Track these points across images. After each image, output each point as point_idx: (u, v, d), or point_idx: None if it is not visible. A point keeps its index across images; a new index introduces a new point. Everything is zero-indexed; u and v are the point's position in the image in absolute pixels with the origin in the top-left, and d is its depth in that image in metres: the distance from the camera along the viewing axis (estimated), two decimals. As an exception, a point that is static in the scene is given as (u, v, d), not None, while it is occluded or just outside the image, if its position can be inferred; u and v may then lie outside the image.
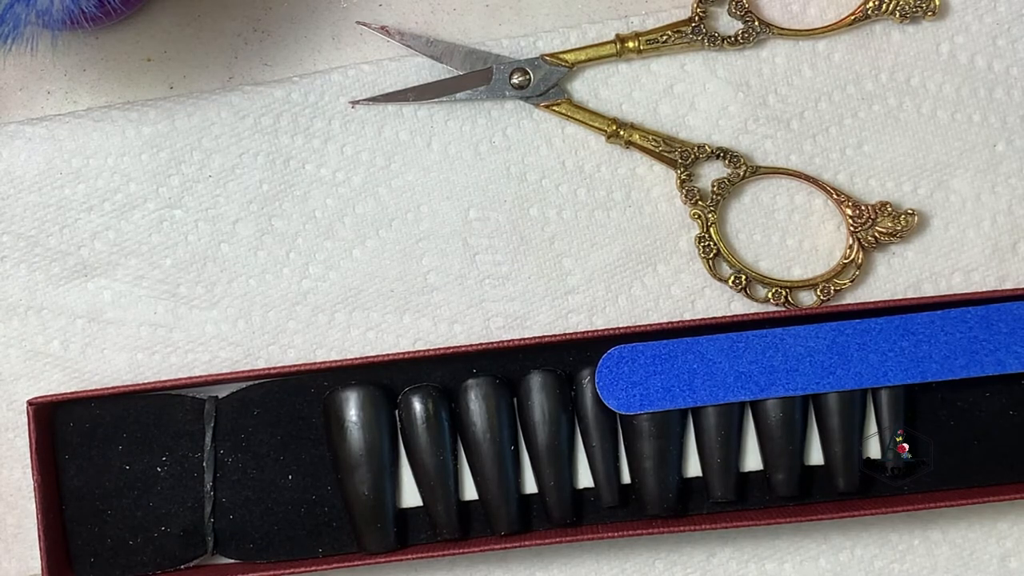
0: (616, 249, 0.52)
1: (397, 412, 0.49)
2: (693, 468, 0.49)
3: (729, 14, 0.52)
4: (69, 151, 0.52)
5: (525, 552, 0.51)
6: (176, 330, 0.51)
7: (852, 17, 0.52)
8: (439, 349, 0.48)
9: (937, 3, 0.52)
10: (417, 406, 0.48)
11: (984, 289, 0.51)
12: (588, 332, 0.48)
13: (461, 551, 0.48)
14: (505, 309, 0.52)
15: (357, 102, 0.52)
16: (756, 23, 0.52)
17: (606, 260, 0.52)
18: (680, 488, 0.49)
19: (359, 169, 0.52)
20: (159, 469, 0.49)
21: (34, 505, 0.49)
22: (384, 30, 0.52)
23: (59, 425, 0.49)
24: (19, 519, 0.51)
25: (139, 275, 0.52)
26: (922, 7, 0.52)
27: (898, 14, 0.52)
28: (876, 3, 0.52)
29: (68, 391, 0.50)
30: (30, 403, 0.48)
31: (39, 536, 0.47)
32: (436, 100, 0.52)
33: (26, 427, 0.50)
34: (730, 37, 0.52)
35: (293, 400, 0.49)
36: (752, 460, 0.49)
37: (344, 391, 0.48)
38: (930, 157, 0.52)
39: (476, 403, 0.48)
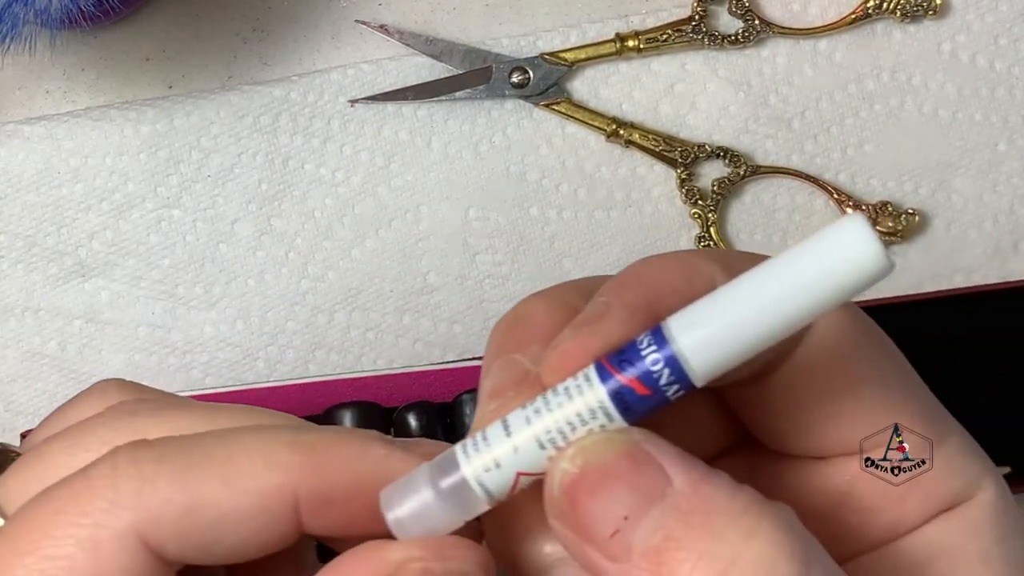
0: (616, 249, 0.52)
1: (392, 430, 0.48)
2: (693, 469, 0.49)
3: (729, 13, 0.52)
4: (67, 150, 0.51)
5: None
6: (174, 331, 0.51)
7: (853, 16, 0.52)
8: (434, 365, 0.47)
9: (938, 2, 0.51)
10: (412, 423, 0.48)
11: (985, 289, 0.51)
12: (588, 333, 0.48)
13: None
14: (505, 309, 0.51)
15: (356, 101, 0.52)
16: (757, 22, 0.52)
17: (606, 260, 0.52)
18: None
19: (358, 169, 0.52)
20: None
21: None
22: (383, 29, 0.52)
23: None
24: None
25: (137, 275, 0.51)
26: (923, 6, 0.51)
27: (899, 13, 0.51)
28: (877, 2, 0.51)
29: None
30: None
31: None
32: (436, 99, 0.52)
33: (24, 428, 0.50)
34: (731, 36, 0.52)
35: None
36: (752, 461, 0.49)
37: (338, 409, 0.48)
38: (931, 157, 0.52)
39: (471, 418, 0.48)
